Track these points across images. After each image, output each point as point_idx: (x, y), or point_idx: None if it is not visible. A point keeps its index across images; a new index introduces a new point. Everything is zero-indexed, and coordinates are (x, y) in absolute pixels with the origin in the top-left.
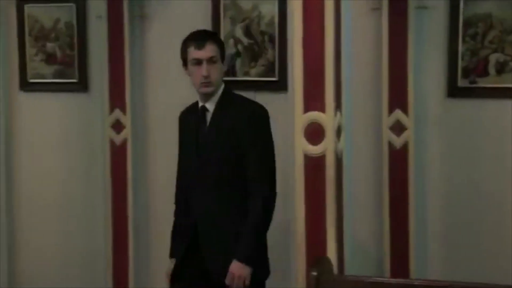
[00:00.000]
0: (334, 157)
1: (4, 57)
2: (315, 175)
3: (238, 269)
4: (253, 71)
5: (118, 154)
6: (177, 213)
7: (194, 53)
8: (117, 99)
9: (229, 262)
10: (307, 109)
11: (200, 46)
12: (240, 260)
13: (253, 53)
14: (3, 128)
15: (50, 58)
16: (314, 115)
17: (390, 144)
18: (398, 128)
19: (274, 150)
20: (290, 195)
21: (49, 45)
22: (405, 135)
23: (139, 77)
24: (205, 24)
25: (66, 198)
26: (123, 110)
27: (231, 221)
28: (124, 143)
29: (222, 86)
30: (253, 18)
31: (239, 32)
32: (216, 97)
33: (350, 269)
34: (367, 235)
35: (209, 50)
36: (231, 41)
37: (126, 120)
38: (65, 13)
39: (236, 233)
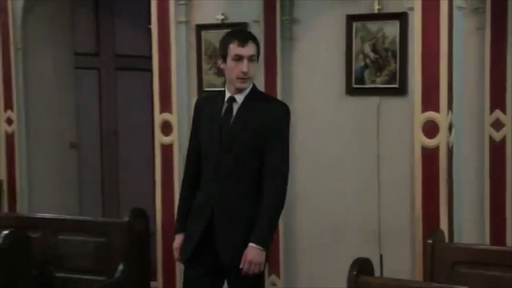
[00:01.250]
0: (446, 148)
1: (187, 71)
2: (431, 163)
3: (255, 256)
4: (378, 79)
5: None
6: (185, 190)
7: (237, 49)
8: None
9: (240, 246)
10: (424, 109)
11: (243, 44)
12: (258, 244)
13: (379, 66)
14: (186, 128)
15: (219, 72)
16: (430, 114)
17: (491, 138)
18: (498, 125)
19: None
20: (409, 179)
21: (219, 62)
22: (503, 130)
23: (288, 85)
24: (341, 43)
25: None
26: None
27: (247, 209)
28: None
29: (252, 83)
30: (378, 38)
31: (367, 49)
32: (246, 91)
33: (458, 238)
34: (472, 211)
35: (251, 48)
36: (361, 56)
37: None
38: None
39: (248, 218)
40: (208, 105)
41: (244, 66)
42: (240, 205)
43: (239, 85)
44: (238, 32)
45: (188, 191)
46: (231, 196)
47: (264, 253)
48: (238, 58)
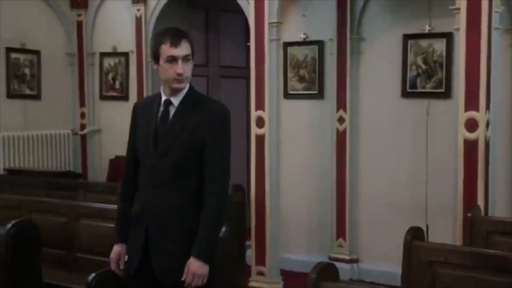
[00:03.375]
0: (484, 141)
1: (278, 79)
2: (471, 152)
3: (197, 268)
4: (428, 85)
5: (340, 138)
6: (122, 199)
7: (169, 50)
8: (341, 103)
9: (177, 261)
10: (466, 109)
11: (176, 44)
12: (200, 258)
13: (428, 74)
14: (275, 122)
15: (301, 79)
16: (471, 113)
17: None
18: None
19: (230, 150)
20: (452, 165)
21: (302, 71)
22: None
23: (355, 90)
24: (397, 56)
25: (310, 163)
26: (345, 110)
27: (185, 221)
28: (344, 131)
29: (189, 83)
30: (429, 52)
31: (419, 61)
32: (182, 93)
33: (492, 212)
34: (503, 191)
35: (184, 48)
36: (414, 67)
37: (347, 116)
38: (311, 51)
39: (186, 232)
40: (144, 109)
41: (179, 67)
42: (176, 217)
43: (176, 85)
44: (170, 31)
45: (126, 201)
46: (167, 206)
47: (206, 266)
48: (172, 59)
